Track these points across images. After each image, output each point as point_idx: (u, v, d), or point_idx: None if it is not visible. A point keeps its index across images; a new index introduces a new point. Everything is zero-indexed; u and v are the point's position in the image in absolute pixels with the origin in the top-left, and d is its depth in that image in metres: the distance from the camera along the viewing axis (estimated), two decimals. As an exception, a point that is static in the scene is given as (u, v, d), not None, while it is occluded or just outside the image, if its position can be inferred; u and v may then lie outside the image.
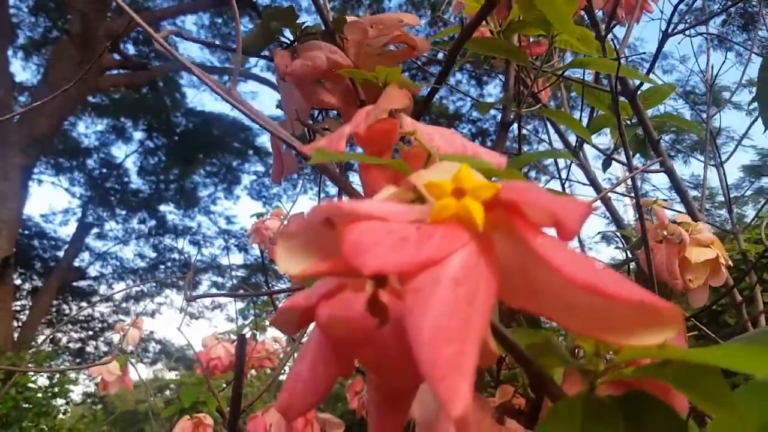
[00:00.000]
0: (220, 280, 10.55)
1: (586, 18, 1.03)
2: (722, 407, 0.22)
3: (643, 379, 0.30)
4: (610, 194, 1.45)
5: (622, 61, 1.39)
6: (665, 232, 0.84)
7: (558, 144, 1.50)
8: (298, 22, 0.60)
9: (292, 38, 0.60)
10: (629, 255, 0.90)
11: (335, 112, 0.65)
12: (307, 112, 0.58)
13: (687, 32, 1.48)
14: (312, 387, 0.25)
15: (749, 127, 1.76)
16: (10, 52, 8.46)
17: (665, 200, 1.12)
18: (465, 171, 0.22)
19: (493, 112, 0.84)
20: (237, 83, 0.47)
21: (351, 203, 0.21)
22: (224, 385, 1.73)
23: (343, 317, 0.24)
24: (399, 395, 0.26)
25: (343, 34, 0.59)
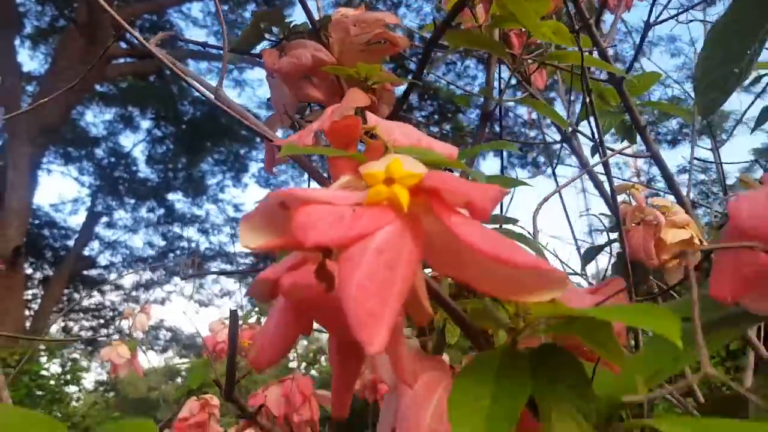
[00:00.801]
0: (228, 267, 10.63)
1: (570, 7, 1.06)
2: (611, 354, 0.27)
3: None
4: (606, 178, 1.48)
5: (610, 49, 1.43)
6: (642, 215, 0.88)
7: (553, 134, 1.54)
8: (285, 21, 0.65)
9: (280, 37, 0.65)
10: (610, 236, 0.95)
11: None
12: (294, 106, 0.63)
13: (676, 18, 1.51)
14: (277, 344, 0.30)
15: (745, 111, 1.78)
16: (17, 42, 8.52)
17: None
18: (395, 163, 0.27)
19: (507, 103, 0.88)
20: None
21: (302, 190, 0.26)
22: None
23: (301, 285, 0.29)
24: (353, 349, 0.31)
25: (328, 32, 0.64)
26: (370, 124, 0.38)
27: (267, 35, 0.64)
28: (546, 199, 0.63)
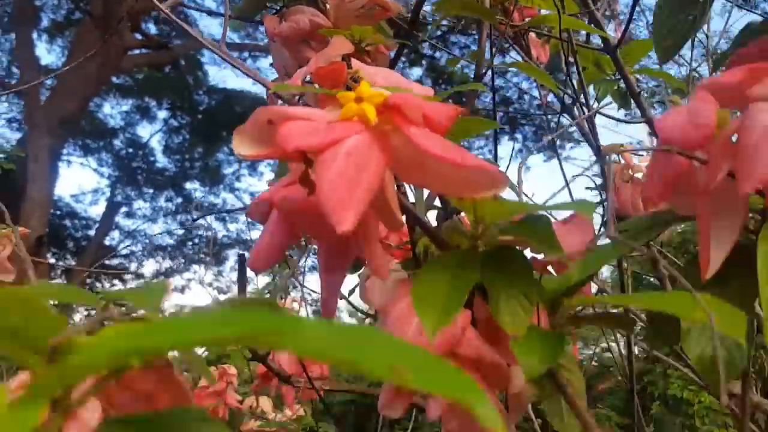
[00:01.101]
0: (246, 254, 10.70)
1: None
2: (551, 248, 0.32)
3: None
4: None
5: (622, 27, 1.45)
6: (631, 172, 0.92)
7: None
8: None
9: (281, 4, 0.69)
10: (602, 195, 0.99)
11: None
12: (295, 68, 0.68)
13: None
14: (271, 250, 0.35)
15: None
16: (34, 36, 8.61)
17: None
18: (364, 86, 0.31)
19: (522, 84, 0.93)
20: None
21: (286, 108, 0.31)
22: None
23: (290, 198, 0.34)
24: (336, 254, 0.36)
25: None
26: (354, 69, 0.43)
27: (269, 3, 0.69)
28: (531, 152, 0.68)
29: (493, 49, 0.81)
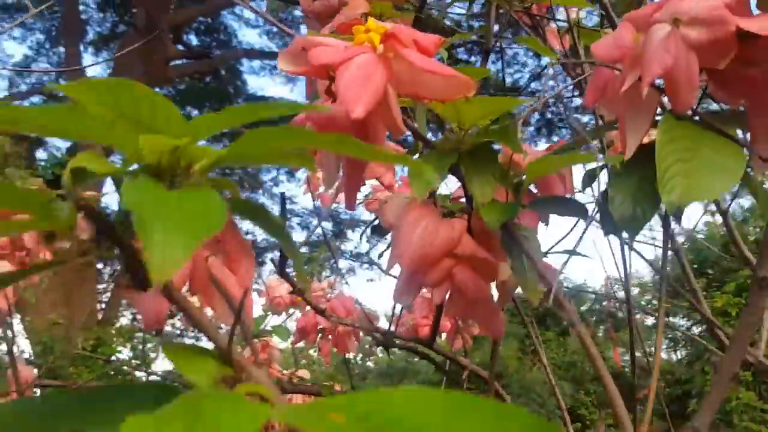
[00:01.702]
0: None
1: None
2: (512, 144, 0.43)
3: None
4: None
5: None
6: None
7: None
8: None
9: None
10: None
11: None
12: (326, 42, 0.80)
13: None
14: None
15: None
16: (81, 48, 8.96)
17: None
18: (371, 21, 0.43)
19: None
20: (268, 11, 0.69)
21: (315, 38, 0.43)
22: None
23: (323, 118, 0.46)
24: (357, 162, 0.48)
25: (351, -18, 0.80)
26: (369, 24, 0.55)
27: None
28: (533, 110, 0.79)
29: (501, 23, 0.92)
